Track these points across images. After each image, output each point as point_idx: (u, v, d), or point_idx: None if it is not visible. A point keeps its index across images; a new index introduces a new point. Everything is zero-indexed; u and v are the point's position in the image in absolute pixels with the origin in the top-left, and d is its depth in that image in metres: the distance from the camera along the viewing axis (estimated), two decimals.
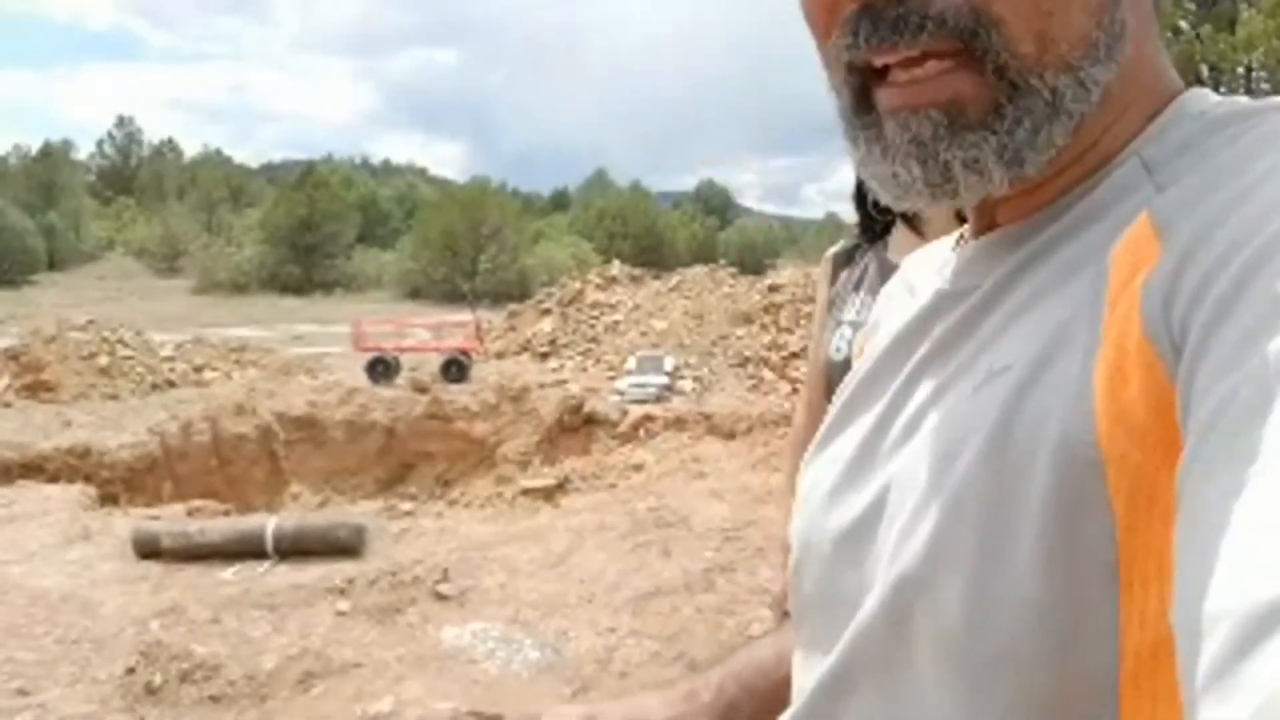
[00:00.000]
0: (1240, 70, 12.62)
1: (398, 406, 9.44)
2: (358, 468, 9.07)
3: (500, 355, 12.05)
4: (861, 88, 0.47)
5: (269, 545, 4.66)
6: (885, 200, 0.49)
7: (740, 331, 11.40)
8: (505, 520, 6.04)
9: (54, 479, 6.80)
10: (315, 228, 42.42)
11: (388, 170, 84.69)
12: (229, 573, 4.51)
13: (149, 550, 4.66)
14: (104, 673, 3.41)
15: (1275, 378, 0.30)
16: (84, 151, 61.78)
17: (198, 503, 6.30)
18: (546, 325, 12.37)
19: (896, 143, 0.46)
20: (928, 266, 0.60)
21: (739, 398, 9.48)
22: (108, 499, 6.72)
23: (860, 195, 1.73)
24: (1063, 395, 0.39)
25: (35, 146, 51.08)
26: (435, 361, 11.08)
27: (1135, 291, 0.38)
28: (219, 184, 54.23)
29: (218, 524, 5.16)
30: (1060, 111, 0.44)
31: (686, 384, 9.97)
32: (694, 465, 7.22)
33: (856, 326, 1.60)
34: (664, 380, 9.72)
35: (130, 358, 10.71)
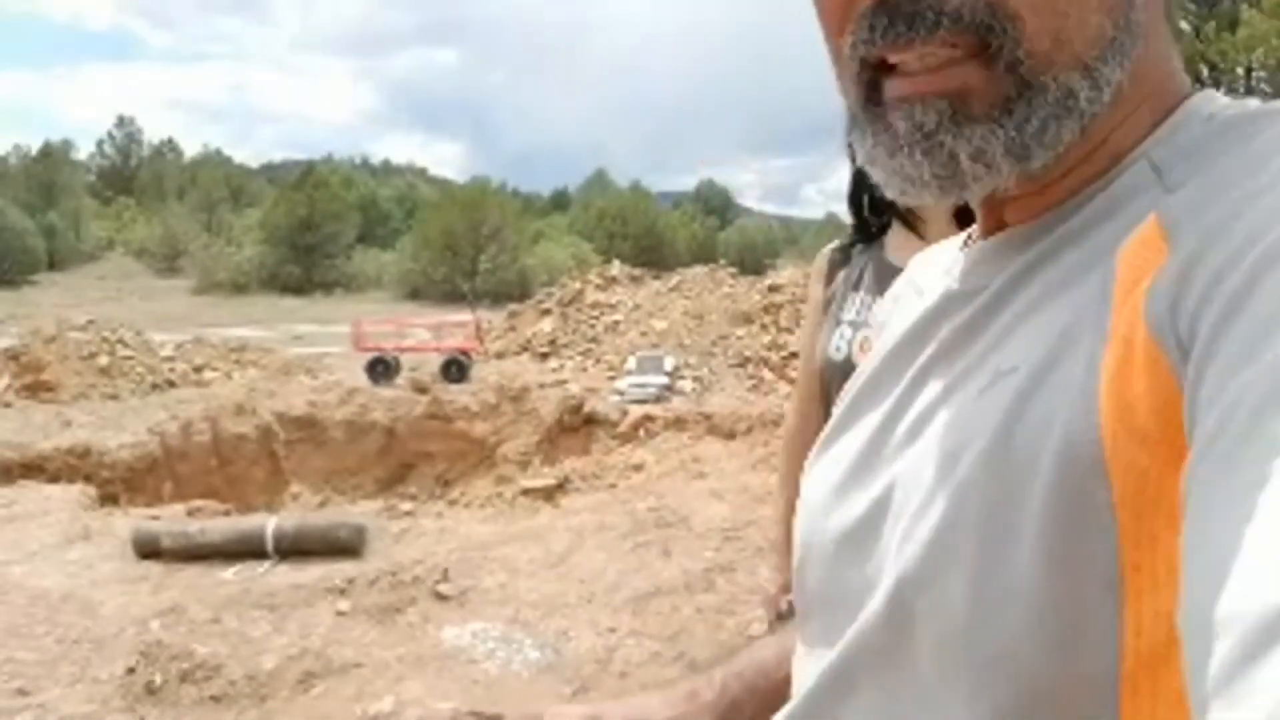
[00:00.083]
0: (1240, 71, 12.62)
1: (398, 406, 9.44)
2: (358, 468, 9.07)
3: (500, 355, 12.05)
4: (871, 82, 0.47)
5: (269, 545, 4.66)
6: (892, 195, 0.48)
7: (740, 331, 11.41)
8: (505, 520, 6.04)
9: (54, 479, 6.79)
10: (315, 228, 42.40)
11: (388, 170, 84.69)
12: (229, 573, 4.51)
13: (149, 550, 4.66)
14: (104, 673, 3.41)
15: None
16: (84, 152, 61.84)
17: (198, 503, 6.29)
18: (546, 325, 12.37)
19: (902, 132, 0.46)
20: (935, 267, 0.60)
21: (739, 398, 9.48)
22: (108, 499, 6.71)
23: (856, 196, 1.73)
24: (1068, 396, 0.39)
25: (35, 146, 51.17)
26: (435, 361, 11.08)
27: (1142, 293, 0.38)
28: (219, 184, 54.23)
29: (218, 524, 5.16)
30: (1071, 110, 0.44)
31: (686, 384, 9.97)
32: (694, 465, 7.22)
33: (856, 326, 1.60)
34: (664, 380, 9.73)
35: (130, 358, 10.71)
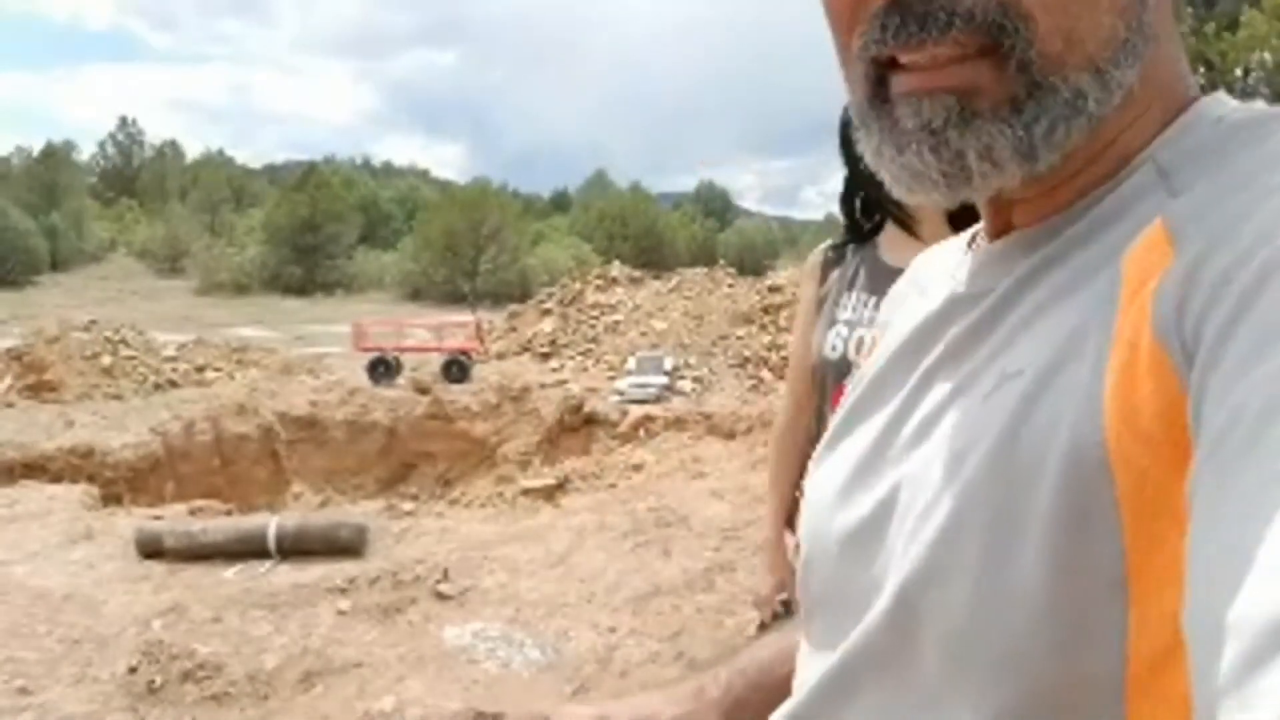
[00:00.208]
0: (1239, 72, 12.61)
1: (399, 407, 9.46)
2: (359, 468, 9.08)
3: (501, 355, 12.05)
4: (878, 79, 0.47)
5: (271, 545, 4.67)
6: (899, 193, 0.48)
7: (740, 332, 11.41)
8: (506, 520, 6.04)
9: (57, 479, 6.80)
10: (317, 229, 42.40)
11: (389, 172, 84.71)
12: (231, 572, 4.51)
13: (151, 550, 4.66)
14: (106, 672, 3.41)
15: None
16: (86, 153, 61.85)
17: (200, 503, 6.30)
18: (547, 326, 12.37)
19: (909, 129, 0.45)
20: (939, 268, 0.59)
21: (739, 398, 9.48)
22: (110, 499, 6.72)
23: (849, 196, 1.74)
24: (1073, 400, 0.39)
25: (37, 147, 51.15)
26: (436, 362, 11.09)
27: (1147, 297, 0.38)
28: (221, 185, 54.25)
29: (220, 524, 5.16)
30: (1080, 111, 0.43)
31: (686, 384, 9.98)
32: (694, 465, 7.22)
33: (852, 325, 1.61)
34: (664, 380, 9.73)
35: (133, 358, 10.73)
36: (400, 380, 10.57)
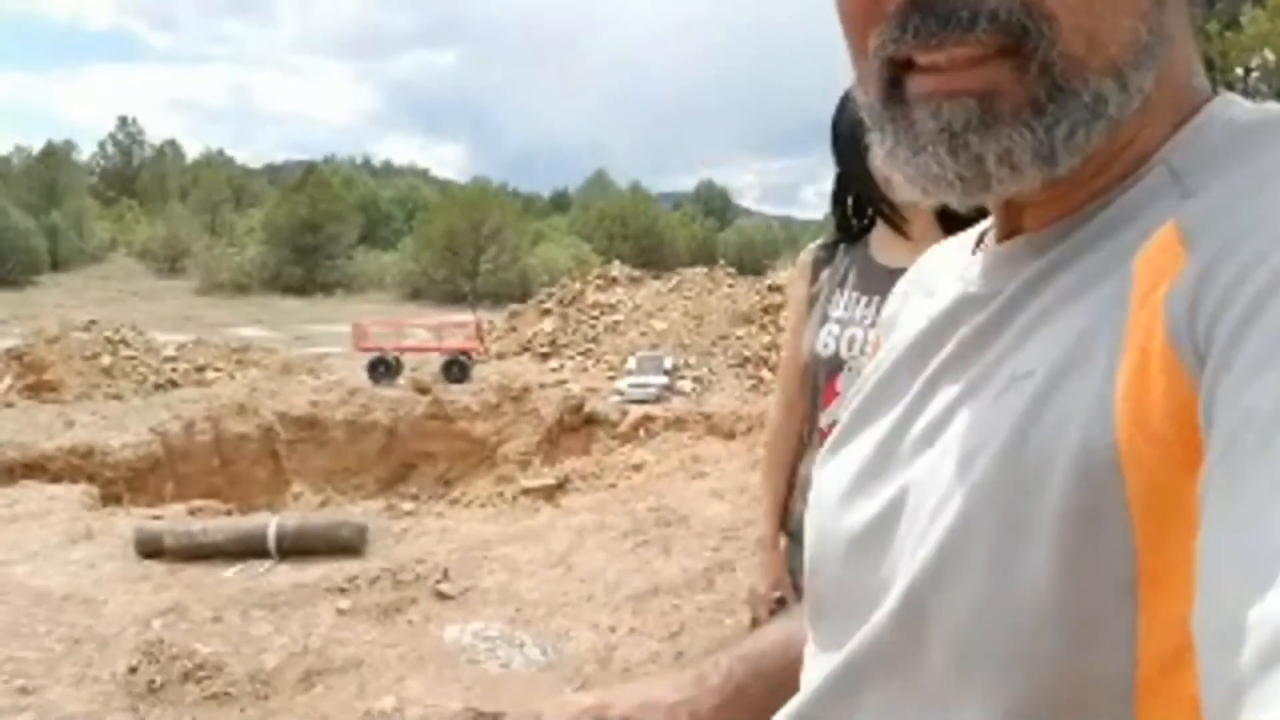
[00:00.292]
0: (1239, 71, 12.60)
1: (399, 406, 9.46)
2: (359, 467, 9.09)
3: (501, 355, 12.06)
4: (892, 79, 0.46)
5: (271, 545, 4.67)
6: (913, 195, 0.47)
7: (740, 332, 11.42)
8: (506, 520, 6.04)
9: (57, 479, 6.80)
10: (317, 229, 42.42)
11: (389, 172, 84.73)
12: (231, 572, 4.51)
13: (151, 550, 4.66)
14: (106, 672, 3.41)
15: None
16: (86, 152, 61.89)
17: (200, 502, 6.30)
18: (547, 325, 12.38)
19: (926, 131, 0.44)
20: (945, 267, 0.59)
21: (738, 398, 9.49)
22: (110, 499, 6.72)
23: (840, 195, 1.75)
24: (1084, 401, 0.39)
25: (37, 147, 51.23)
26: (436, 362, 11.09)
27: (1159, 299, 0.38)
28: (221, 185, 54.34)
29: (220, 523, 5.16)
30: (1100, 115, 0.43)
31: (686, 384, 9.98)
32: (694, 465, 7.22)
33: (844, 323, 1.62)
34: (664, 380, 9.73)
35: (133, 358, 10.74)
36: (400, 380, 10.57)
